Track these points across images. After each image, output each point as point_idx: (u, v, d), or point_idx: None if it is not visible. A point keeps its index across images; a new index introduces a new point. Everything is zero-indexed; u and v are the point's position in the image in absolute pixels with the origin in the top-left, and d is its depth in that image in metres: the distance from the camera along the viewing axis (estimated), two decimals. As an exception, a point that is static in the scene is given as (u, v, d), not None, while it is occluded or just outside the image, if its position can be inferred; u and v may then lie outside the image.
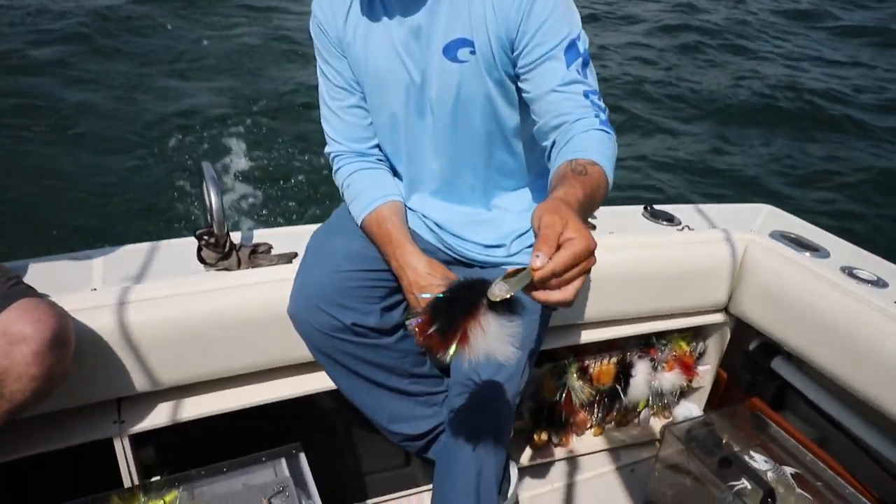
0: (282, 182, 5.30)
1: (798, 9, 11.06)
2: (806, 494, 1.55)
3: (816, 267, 1.70)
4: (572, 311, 1.73)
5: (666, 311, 1.87)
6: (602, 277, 1.71)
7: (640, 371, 1.94)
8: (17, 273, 1.28)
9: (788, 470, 1.61)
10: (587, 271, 0.78)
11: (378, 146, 1.40)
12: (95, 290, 1.38)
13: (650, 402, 2.01)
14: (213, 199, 1.43)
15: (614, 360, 1.91)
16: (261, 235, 1.65)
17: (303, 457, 1.30)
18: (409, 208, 1.41)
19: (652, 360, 1.95)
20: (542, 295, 0.78)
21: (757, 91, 7.41)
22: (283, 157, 5.71)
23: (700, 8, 10.67)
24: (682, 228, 1.91)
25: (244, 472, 1.28)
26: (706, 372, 2.04)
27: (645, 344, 1.95)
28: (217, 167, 5.18)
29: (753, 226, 1.94)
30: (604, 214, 1.91)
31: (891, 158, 6.14)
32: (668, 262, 1.79)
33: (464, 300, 0.82)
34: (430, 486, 1.76)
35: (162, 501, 1.16)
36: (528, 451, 1.91)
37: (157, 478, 1.40)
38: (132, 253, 1.56)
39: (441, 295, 0.84)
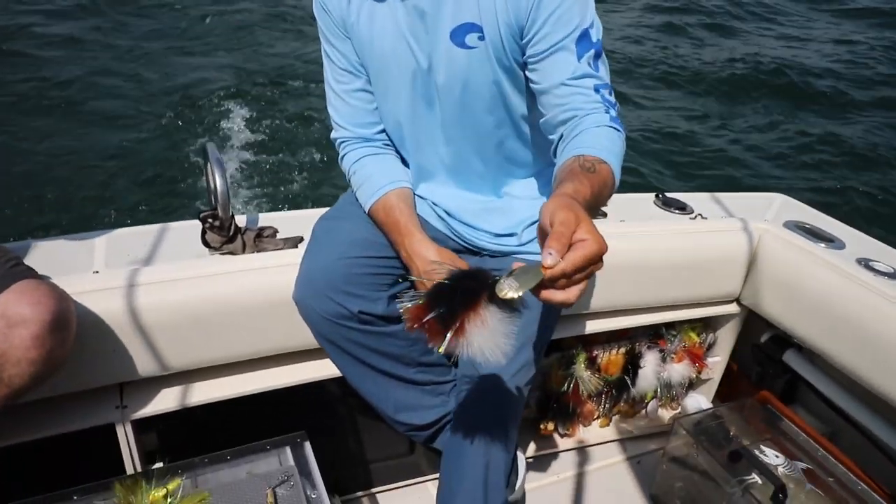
0: (287, 164, 5.27)
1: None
2: (817, 490, 1.53)
3: (832, 258, 1.67)
4: (581, 301, 1.69)
5: (676, 302, 1.84)
6: (612, 266, 1.68)
7: (649, 362, 1.91)
8: (17, 254, 1.25)
9: (799, 465, 1.59)
10: (592, 274, 0.76)
11: (384, 131, 1.36)
12: (98, 272, 1.36)
13: (658, 394, 1.98)
14: (217, 180, 1.40)
15: (623, 350, 1.88)
16: (266, 219, 1.62)
17: (307, 445, 1.27)
18: (418, 196, 1.38)
19: (661, 350, 1.92)
20: (546, 293, 0.76)
21: (771, 72, 7.33)
22: (289, 137, 5.68)
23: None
24: (695, 217, 1.87)
25: (248, 461, 1.25)
26: (715, 364, 2.01)
27: (654, 334, 1.92)
28: (221, 147, 5.16)
29: (767, 215, 1.91)
30: (615, 202, 1.87)
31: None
32: (680, 252, 1.76)
33: (465, 290, 0.79)
34: (435, 476, 1.75)
35: (165, 489, 1.13)
36: (533, 442, 1.89)
37: (160, 464, 1.39)
38: (135, 235, 1.53)
39: (442, 282, 0.81)
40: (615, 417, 2.02)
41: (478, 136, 1.27)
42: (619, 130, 1.09)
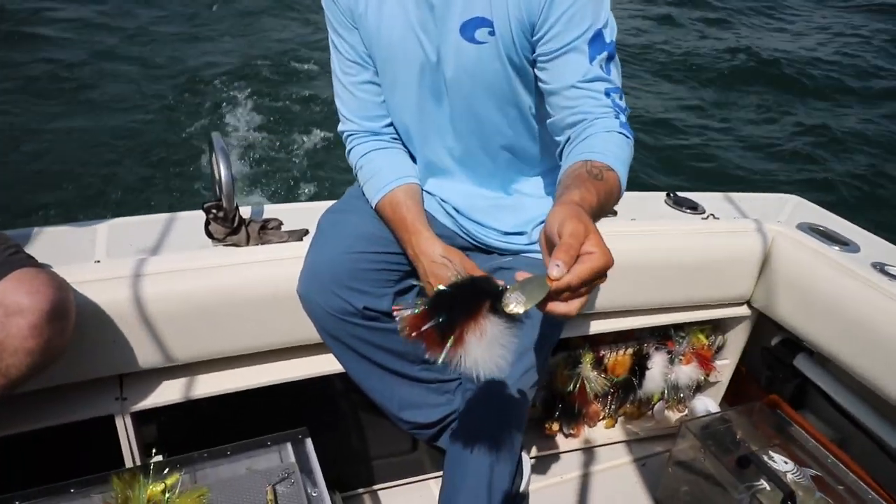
0: (292, 150, 5.26)
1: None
2: (827, 498, 1.50)
3: (846, 262, 1.64)
4: (588, 300, 1.67)
5: (686, 303, 1.81)
6: (622, 265, 1.63)
7: (657, 363, 1.88)
8: (17, 242, 1.23)
9: (809, 472, 1.56)
10: (596, 287, 0.75)
11: (392, 124, 1.33)
12: (99, 261, 1.34)
13: (665, 396, 1.95)
14: (222, 171, 1.38)
15: (630, 351, 1.85)
16: (271, 211, 1.60)
17: (309, 442, 1.25)
18: (426, 191, 1.35)
19: (669, 352, 1.89)
20: (549, 306, 0.75)
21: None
22: (295, 125, 5.67)
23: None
24: (707, 217, 1.84)
25: (248, 456, 1.23)
26: (724, 366, 1.98)
27: (662, 335, 1.90)
28: (226, 133, 5.16)
29: (780, 217, 1.88)
30: (625, 200, 1.81)
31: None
32: (691, 252, 1.73)
33: (466, 299, 0.78)
34: (438, 474, 1.73)
35: (163, 484, 1.11)
36: (538, 441, 1.86)
37: (159, 457, 1.37)
38: (139, 224, 1.51)
39: (443, 289, 0.80)
40: (621, 418, 1.99)
41: (486, 132, 1.24)
42: (627, 137, 1.06)
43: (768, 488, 1.50)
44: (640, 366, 1.87)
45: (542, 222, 1.30)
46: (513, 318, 0.78)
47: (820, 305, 1.65)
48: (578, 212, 0.78)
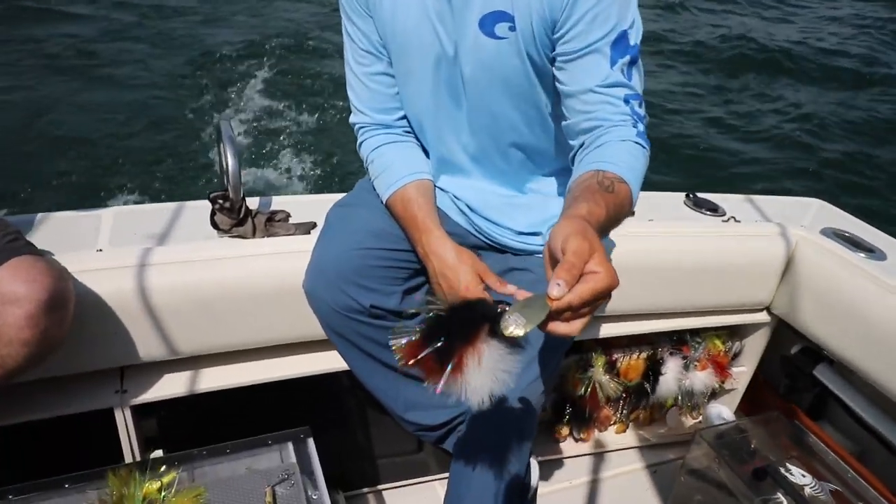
0: (303, 144, 5.23)
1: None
2: (845, 514, 1.45)
3: (872, 269, 1.58)
4: (591, 320, 1.63)
5: (703, 307, 1.75)
6: (638, 267, 1.60)
7: (671, 369, 1.83)
8: (17, 228, 1.20)
9: (827, 486, 1.50)
10: (599, 307, 0.72)
11: (406, 118, 1.28)
12: (101, 250, 1.31)
13: (679, 402, 1.90)
14: (229, 160, 1.34)
15: (644, 355, 1.80)
16: (278, 202, 1.56)
17: (311, 442, 1.21)
18: (439, 188, 1.30)
19: (684, 357, 1.84)
20: (549, 326, 0.72)
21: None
22: (308, 111, 5.64)
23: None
24: (728, 219, 1.79)
25: (248, 455, 1.19)
26: (740, 374, 1.93)
27: (677, 340, 1.84)
28: (237, 111, 5.14)
29: (804, 221, 1.82)
30: (643, 200, 1.78)
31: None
32: (710, 255, 1.67)
33: (464, 323, 0.75)
34: (443, 475, 1.69)
35: (160, 482, 1.08)
36: (547, 445, 1.83)
37: (158, 452, 1.34)
38: (143, 213, 1.48)
39: (438, 314, 0.77)
40: (632, 424, 1.94)
41: (502, 129, 1.19)
42: (644, 147, 1.01)
43: (785, 502, 1.45)
44: (653, 371, 1.82)
45: None
46: (513, 342, 0.75)
47: (843, 313, 1.59)
48: (584, 228, 0.75)
